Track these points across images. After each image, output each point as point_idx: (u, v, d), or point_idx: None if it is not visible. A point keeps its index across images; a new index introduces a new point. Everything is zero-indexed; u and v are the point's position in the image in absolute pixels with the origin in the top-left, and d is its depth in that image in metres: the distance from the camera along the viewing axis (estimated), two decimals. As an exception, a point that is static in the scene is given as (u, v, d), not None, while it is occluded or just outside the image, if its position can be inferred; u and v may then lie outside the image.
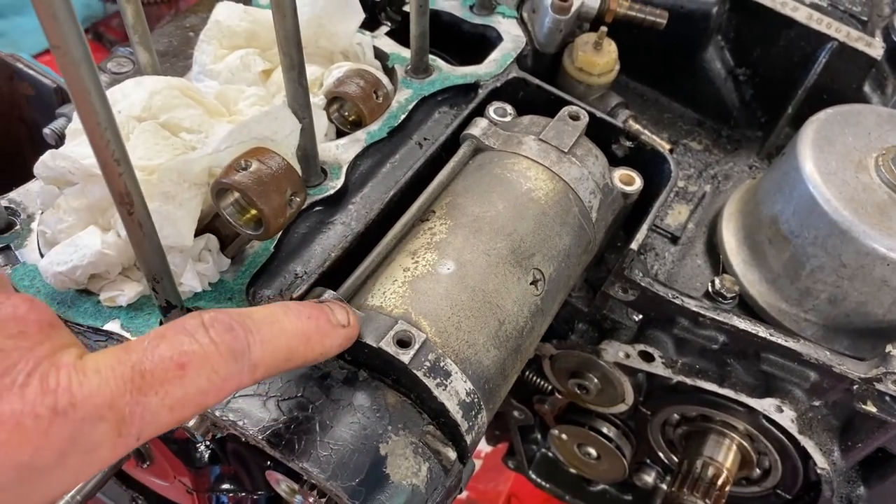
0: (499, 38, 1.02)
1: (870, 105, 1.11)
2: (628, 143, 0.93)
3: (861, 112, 1.02)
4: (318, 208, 0.79)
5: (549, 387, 1.22)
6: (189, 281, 0.68)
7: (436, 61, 0.95)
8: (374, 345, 0.64)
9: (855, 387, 0.91)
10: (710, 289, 1.00)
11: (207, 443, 0.84)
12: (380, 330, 0.65)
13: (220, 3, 0.89)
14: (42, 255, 0.71)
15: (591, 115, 0.90)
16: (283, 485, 0.74)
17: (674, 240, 1.12)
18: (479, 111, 0.91)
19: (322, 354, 0.60)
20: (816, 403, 0.97)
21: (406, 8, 1.05)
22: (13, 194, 0.76)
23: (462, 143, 0.87)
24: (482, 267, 0.73)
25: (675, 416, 1.13)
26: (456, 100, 0.95)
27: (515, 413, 1.36)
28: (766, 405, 0.97)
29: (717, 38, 1.21)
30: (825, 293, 0.96)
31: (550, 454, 1.46)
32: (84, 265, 0.65)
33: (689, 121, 1.29)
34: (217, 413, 0.63)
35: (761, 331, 0.93)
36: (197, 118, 0.74)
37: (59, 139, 0.90)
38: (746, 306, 1.03)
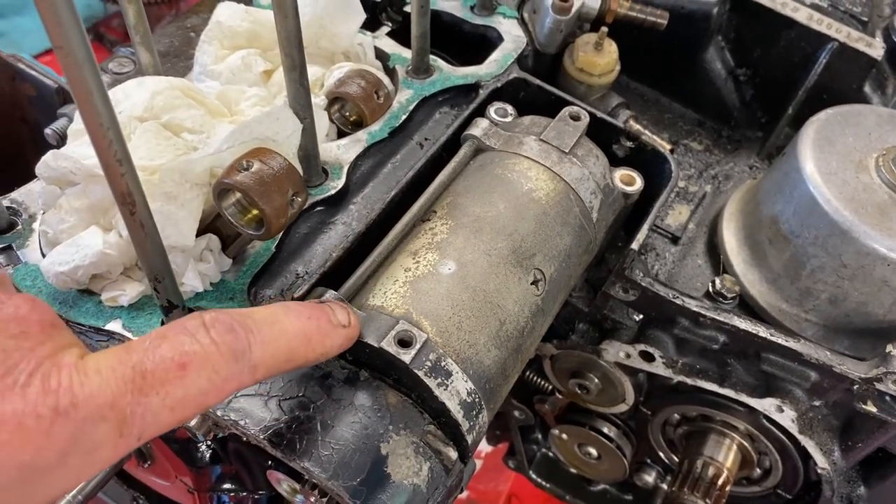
0: (499, 39, 1.02)
1: (870, 105, 1.11)
2: (629, 144, 0.93)
3: (861, 112, 1.02)
4: (319, 208, 0.79)
5: (550, 387, 1.22)
6: (190, 281, 0.68)
7: (437, 62, 0.96)
8: (376, 345, 0.64)
9: (855, 387, 0.91)
10: (710, 289, 1.00)
11: (209, 442, 0.84)
12: (381, 330, 0.65)
13: (221, 4, 0.89)
14: (44, 255, 0.71)
15: (591, 115, 0.90)
16: (284, 484, 0.74)
17: (674, 240, 1.12)
18: (480, 111, 0.91)
19: (323, 355, 0.60)
20: (817, 403, 0.97)
21: (407, 8, 1.05)
22: (15, 194, 0.76)
23: (463, 144, 0.87)
24: (483, 267, 0.73)
25: (676, 415, 1.13)
26: (457, 100, 0.95)
27: (516, 413, 1.36)
28: (766, 405, 0.97)
29: (718, 38, 1.21)
30: (825, 293, 0.96)
31: (551, 454, 1.46)
32: (86, 265, 0.65)
33: (689, 121, 1.30)
34: (219, 413, 0.63)
35: (762, 331, 0.93)
36: (198, 118, 0.74)
37: (61, 139, 0.90)
38: (747, 306, 1.03)
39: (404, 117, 0.88)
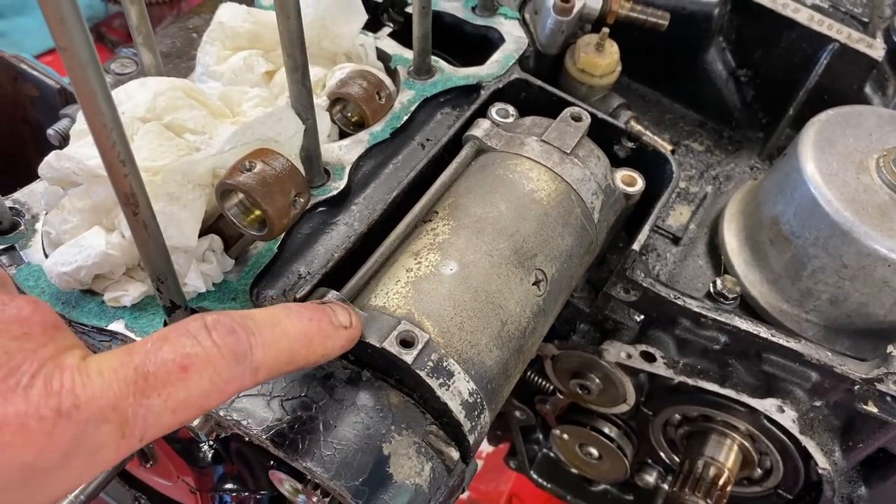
0: (501, 40, 1.02)
1: (871, 106, 1.11)
2: (630, 144, 0.93)
3: (862, 113, 1.02)
4: (321, 209, 0.79)
5: (551, 387, 1.22)
6: (193, 281, 0.68)
7: (438, 62, 0.96)
8: (378, 345, 0.64)
9: (856, 387, 0.91)
10: (711, 289, 1.00)
11: (211, 442, 0.84)
12: (383, 330, 0.66)
13: (223, 5, 0.89)
14: (46, 256, 0.71)
15: (593, 116, 0.90)
16: (286, 484, 0.74)
17: (675, 240, 1.13)
18: (482, 112, 0.91)
19: (324, 356, 0.60)
20: (818, 404, 0.97)
21: (408, 9, 1.05)
22: (18, 195, 0.76)
23: (464, 144, 0.87)
24: (485, 267, 0.73)
25: (677, 416, 1.13)
26: (458, 101, 0.95)
27: (517, 413, 1.36)
28: (767, 405, 0.97)
29: (719, 39, 1.22)
30: (826, 294, 0.96)
31: (552, 454, 1.46)
32: (88, 265, 0.66)
33: (690, 122, 1.30)
34: (221, 413, 0.63)
35: (763, 331, 0.93)
36: (201, 119, 0.74)
37: (63, 140, 0.91)
38: (748, 307, 1.03)
39: (406, 118, 0.89)
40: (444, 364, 0.66)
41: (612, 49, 1.06)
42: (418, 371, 0.64)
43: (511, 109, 0.91)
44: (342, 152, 0.83)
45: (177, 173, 0.65)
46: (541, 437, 1.46)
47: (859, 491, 1.02)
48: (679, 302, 0.94)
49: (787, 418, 0.97)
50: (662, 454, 1.23)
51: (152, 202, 0.56)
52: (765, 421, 1.01)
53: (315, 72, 0.87)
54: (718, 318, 0.94)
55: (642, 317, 1.02)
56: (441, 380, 0.65)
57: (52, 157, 0.67)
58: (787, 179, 0.99)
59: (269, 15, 0.88)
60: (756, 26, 1.17)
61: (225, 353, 0.51)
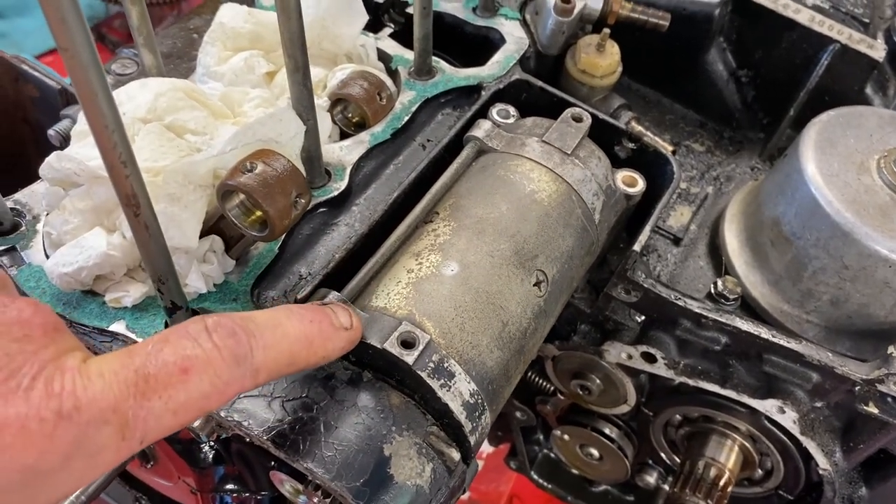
0: (502, 40, 1.02)
1: (871, 107, 1.11)
2: (631, 145, 0.93)
3: (863, 114, 1.02)
4: (322, 210, 0.79)
5: (552, 388, 1.22)
6: (194, 282, 0.68)
7: (439, 63, 0.96)
8: (379, 346, 0.64)
9: (857, 388, 0.91)
10: (712, 290, 1.00)
11: (212, 443, 0.84)
12: (384, 331, 0.66)
13: (224, 5, 0.89)
14: (48, 257, 0.71)
15: (593, 116, 0.90)
16: (287, 485, 0.75)
17: (676, 241, 1.13)
18: (483, 113, 0.91)
19: (325, 358, 0.60)
20: (818, 404, 0.97)
21: (409, 10, 1.05)
22: (19, 195, 0.76)
23: (465, 145, 0.87)
24: (486, 268, 0.73)
25: (678, 416, 1.13)
26: (459, 101, 0.95)
27: (518, 414, 1.36)
28: (768, 406, 0.97)
29: (720, 39, 1.22)
30: (827, 295, 0.96)
31: (552, 455, 1.46)
32: (89, 266, 0.66)
33: (691, 122, 1.30)
34: (222, 413, 0.63)
35: (763, 332, 0.93)
36: (202, 120, 0.74)
37: (64, 140, 0.91)
38: (749, 308, 1.03)
39: (407, 119, 0.89)
40: (446, 365, 0.66)
41: (613, 50, 1.06)
42: (419, 372, 0.64)
43: (512, 110, 0.91)
44: (343, 153, 0.83)
45: (178, 174, 0.65)
46: (541, 437, 1.46)
47: (860, 492, 1.02)
48: (680, 303, 0.94)
49: (788, 419, 0.97)
50: (663, 455, 1.23)
51: (153, 203, 0.56)
52: (765, 422, 1.01)
53: (316, 72, 0.87)
54: (719, 318, 0.94)
55: (643, 317, 1.02)
56: (442, 381, 0.65)
57: (53, 158, 0.67)
58: (787, 180, 0.99)
59: (270, 16, 0.88)
60: (757, 27, 1.17)
61: (225, 355, 0.51)
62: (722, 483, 1.05)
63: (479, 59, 0.99)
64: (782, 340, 0.92)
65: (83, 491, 0.76)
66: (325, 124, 0.84)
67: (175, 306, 0.65)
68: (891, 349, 0.90)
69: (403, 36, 1.00)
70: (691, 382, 1.01)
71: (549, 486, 1.50)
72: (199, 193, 0.66)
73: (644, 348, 1.01)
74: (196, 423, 0.67)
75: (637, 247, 0.87)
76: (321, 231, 0.79)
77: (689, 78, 1.25)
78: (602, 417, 1.23)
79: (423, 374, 0.64)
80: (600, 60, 1.05)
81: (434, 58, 0.95)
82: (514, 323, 0.73)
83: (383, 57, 0.97)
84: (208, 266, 0.70)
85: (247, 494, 0.91)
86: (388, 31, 1.05)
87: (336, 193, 0.79)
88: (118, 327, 0.67)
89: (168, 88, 0.73)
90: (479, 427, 0.68)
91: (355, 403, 0.64)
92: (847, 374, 0.90)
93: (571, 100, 0.94)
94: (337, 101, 0.87)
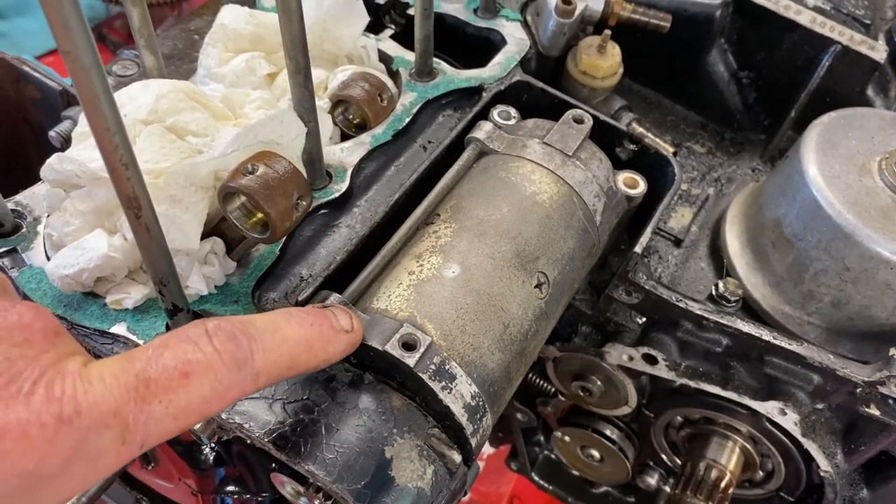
0: (503, 42, 1.02)
1: (873, 108, 1.11)
2: (632, 147, 0.93)
3: (864, 115, 1.02)
4: (323, 211, 0.79)
5: (553, 389, 1.22)
6: (195, 284, 0.68)
7: (440, 64, 0.96)
8: (380, 348, 0.64)
9: (858, 390, 0.91)
10: (713, 292, 1.00)
11: (212, 445, 0.84)
12: (385, 333, 0.65)
13: (225, 7, 0.89)
14: (48, 258, 0.71)
15: (594, 118, 0.90)
16: (287, 487, 0.75)
17: (677, 243, 1.13)
18: (484, 114, 0.91)
19: (325, 361, 0.60)
20: (819, 406, 0.97)
21: (410, 11, 1.05)
22: (19, 197, 0.76)
23: (466, 147, 0.87)
24: (487, 270, 0.73)
25: (679, 418, 1.13)
26: (460, 103, 0.95)
27: (519, 415, 1.36)
28: (769, 408, 0.97)
29: (721, 41, 1.21)
30: (828, 296, 0.96)
31: (553, 456, 1.46)
32: (90, 268, 0.66)
33: (692, 124, 1.30)
34: (223, 416, 0.63)
35: (765, 334, 0.93)
36: (203, 122, 0.74)
37: (65, 142, 0.91)
38: (750, 309, 1.03)
39: (408, 120, 0.89)
40: (447, 367, 0.66)
41: (614, 51, 1.06)
42: (420, 374, 0.64)
43: (513, 111, 0.91)
44: (344, 154, 0.83)
45: (179, 176, 0.65)
46: (542, 438, 1.46)
47: (861, 494, 1.02)
48: (681, 304, 0.94)
49: (789, 421, 0.97)
50: (664, 456, 1.23)
51: (154, 205, 0.56)
52: (766, 423, 1.01)
53: (317, 74, 0.87)
54: (720, 320, 0.94)
55: (644, 319, 1.01)
56: (443, 383, 0.65)
57: (54, 160, 0.67)
58: (789, 182, 0.98)
59: (271, 17, 0.88)
60: (758, 28, 1.17)
61: (226, 359, 0.51)
62: (723, 485, 1.05)
63: (480, 60, 0.99)
64: (783, 342, 0.92)
65: (83, 494, 0.76)
66: (326, 126, 0.84)
67: (176, 308, 0.65)
68: (892, 351, 0.89)
69: (404, 37, 1.00)
70: (692, 384, 1.01)
71: (550, 487, 1.50)
72: (200, 195, 0.66)
73: (645, 350, 1.01)
74: (197, 426, 0.67)
75: (638, 248, 0.87)
76: (322, 233, 0.79)
77: (690, 79, 1.25)
78: (603, 419, 1.23)
79: (425, 377, 0.64)
80: (601, 62, 1.05)
81: (435, 59, 0.95)
82: (515, 325, 0.73)
83: (384, 58, 0.97)
84: (209, 268, 0.70)
85: (248, 496, 0.91)
86: (389, 32, 1.05)
87: (337, 195, 0.79)
88: (119, 329, 0.67)
89: (169, 90, 0.73)
90: (481, 429, 0.68)
91: (356, 405, 0.64)
92: (848, 375, 0.90)
93: (572, 101, 0.94)
94: (338, 102, 0.87)
